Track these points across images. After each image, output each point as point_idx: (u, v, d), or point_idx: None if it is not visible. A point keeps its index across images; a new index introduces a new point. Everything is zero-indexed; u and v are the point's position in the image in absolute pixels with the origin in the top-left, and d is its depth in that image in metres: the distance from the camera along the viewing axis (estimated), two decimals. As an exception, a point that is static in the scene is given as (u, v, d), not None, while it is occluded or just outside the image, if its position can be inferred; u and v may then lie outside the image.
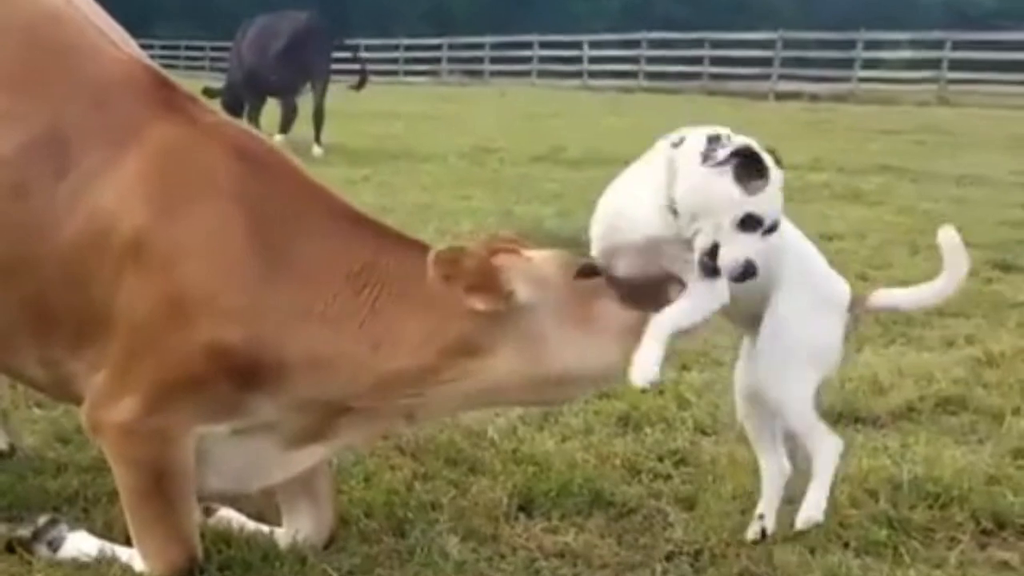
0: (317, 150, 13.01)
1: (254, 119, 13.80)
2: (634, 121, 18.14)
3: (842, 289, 2.73)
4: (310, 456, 2.52)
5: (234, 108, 12.99)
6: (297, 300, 2.39)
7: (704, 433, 3.70)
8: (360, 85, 14.37)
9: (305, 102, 13.74)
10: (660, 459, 3.42)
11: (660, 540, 2.85)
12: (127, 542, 2.56)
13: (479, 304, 2.27)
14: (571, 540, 2.83)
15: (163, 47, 41.09)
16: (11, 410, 3.58)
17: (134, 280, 2.38)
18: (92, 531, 2.68)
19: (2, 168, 2.46)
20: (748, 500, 3.01)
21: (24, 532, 2.61)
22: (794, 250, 2.65)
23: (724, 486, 3.12)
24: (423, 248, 2.37)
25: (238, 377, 2.37)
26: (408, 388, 2.40)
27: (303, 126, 13.55)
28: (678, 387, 4.09)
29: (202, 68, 34.38)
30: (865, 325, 5.02)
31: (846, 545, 2.80)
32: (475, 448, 3.41)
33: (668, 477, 3.27)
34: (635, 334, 2.33)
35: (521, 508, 2.98)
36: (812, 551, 2.73)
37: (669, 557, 2.77)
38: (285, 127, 13.45)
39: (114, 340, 2.41)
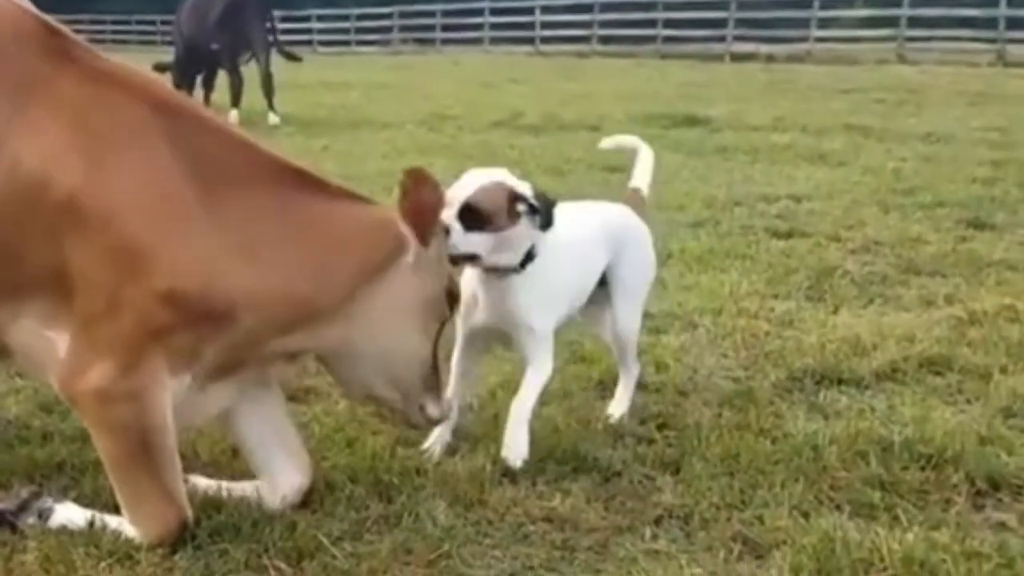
0: (273, 118, 12.88)
1: (206, 93, 13.65)
2: (590, 86, 18.13)
3: None
4: (226, 395, 2.61)
5: (182, 82, 12.82)
6: (237, 240, 2.43)
7: (684, 395, 3.66)
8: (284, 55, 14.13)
9: (252, 73, 13.54)
10: (642, 422, 3.37)
11: (648, 504, 2.80)
12: (116, 510, 2.50)
13: (403, 216, 2.55)
14: (557, 505, 2.77)
15: (114, 22, 40.38)
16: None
17: (78, 243, 2.33)
18: (81, 500, 2.63)
19: None
20: (735, 463, 2.97)
21: (8, 505, 2.53)
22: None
23: (710, 449, 3.07)
24: (352, 195, 2.63)
25: (196, 323, 2.38)
26: (317, 324, 2.55)
27: (253, 96, 13.33)
28: (654, 350, 4.04)
29: (154, 43, 33.76)
30: (840, 286, 5.03)
31: (839, 508, 2.75)
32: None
33: (652, 441, 3.21)
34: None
35: (504, 474, 2.92)
36: (806, 515, 2.69)
37: (658, 521, 2.72)
38: (235, 99, 13.31)
39: (67, 304, 2.36)
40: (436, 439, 3.08)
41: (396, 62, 28.01)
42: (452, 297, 2.78)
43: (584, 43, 31.50)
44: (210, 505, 2.63)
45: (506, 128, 12.15)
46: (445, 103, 14.94)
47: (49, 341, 2.43)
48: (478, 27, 34.87)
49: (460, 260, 2.82)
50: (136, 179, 2.39)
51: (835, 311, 4.66)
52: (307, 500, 2.72)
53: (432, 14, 36.45)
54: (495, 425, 3.27)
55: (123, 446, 2.40)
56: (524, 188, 2.85)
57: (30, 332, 2.45)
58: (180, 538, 2.45)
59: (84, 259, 2.33)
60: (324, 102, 15.13)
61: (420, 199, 2.57)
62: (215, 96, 13.78)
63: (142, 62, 14.51)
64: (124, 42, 36.15)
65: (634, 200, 3.52)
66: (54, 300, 2.38)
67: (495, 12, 34.52)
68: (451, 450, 3.10)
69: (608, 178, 8.41)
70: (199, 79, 13.76)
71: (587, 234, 3.21)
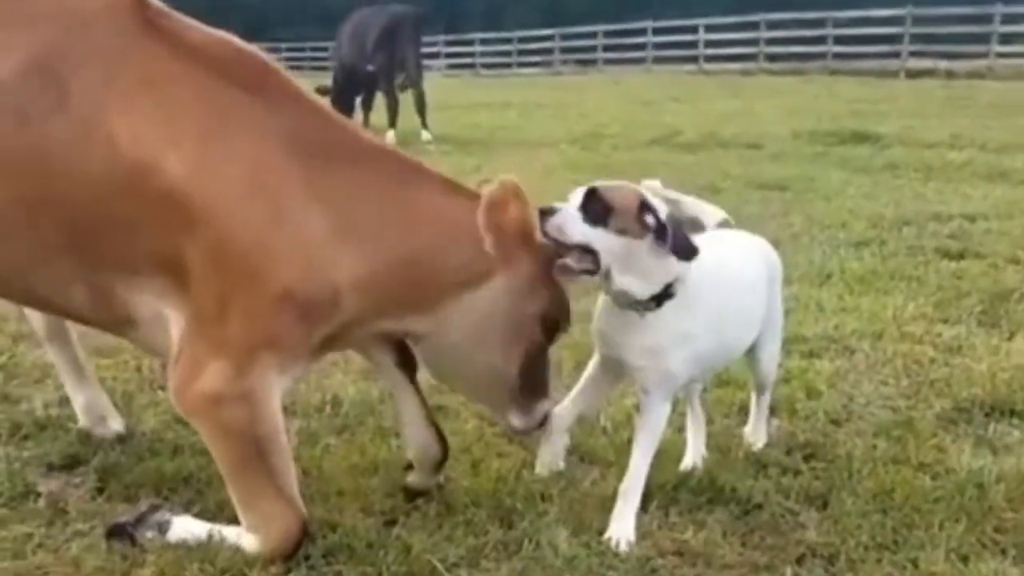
0: (426, 135, 13.21)
1: (365, 114, 14.13)
2: (753, 103, 17.69)
3: None
4: (315, 360, 2.60)
5: (343, 104, 13.28)
6: (341, 223, 2.38)
7: (836, 424, 3.41)
8: (405, 87, 14.22)
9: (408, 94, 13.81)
10: (788, 452, 3.15)
11: (790, 541, 2.59)
12: (238, 523, 2.47)
13: (486, 230, 2.41)
14: (690, 538, 2.60)
15: (288, 48, 42.24)
16: (135, 393, 3.61)
17: (186, 235, 2.30)
18: (204, 513, 2.63)
19: (3, 90, 2.32)
20: (889, 499, 2.73)
21: (128, 517, 2.53)
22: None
23: (862, 483, 2.84)
24: (445, 183, 2.55)
25: (305, 318, 2.35)
26: (409, 310, 2.49)
27: (408, 117, 13.57)
28: (806, 375, 3.80)
29: (326, 68, 34.94)
30: (1017, 311, 4.63)
31: (1003, 552, 2.49)
32: (587, 437, 3.21)
33: (797, 472, 2.99)
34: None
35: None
36: (965, 558, 2.43)
37: (800, 560, 2.51)
38: (392, 120, 13.65)
39: (182, 287, 2.34)
40: (546, 463, 2.90)
41: (556, 82, 28.10)
42: (548, 323, 2.58)
43: (750, 61, 30.83)
44: (325, 525, 2.58)
45: (662, 146, 11.94)
46: (602, 122, 14.84)
47: (166, 319, 2.41)
48: (640, 47, 34.62)
49: (575, 268, 2.48)
50: (239, 168, 2.34)
51: (1010, 337, 4.28)
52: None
53: (594, 35, 36.41)
54: (627, 451, 3.11)
55: (238, 450, 2.36)
56: (659, 205, 2.56)
57: (149, 308, 2.43)
58: (301, 542, 2.39)
59: (194, 253, 2.31)
60: (481, 122, 15.26)
61: (505, 216, 2.42)
62: (373, 117, 14.13)
63: (310, 87, 15.10)
64: (298, 68, 37.68)
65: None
66: (170, 281, 2.36)
67: (658, 32, 34.20)
68: (578, 475, 2.96)
69: (767, 195, 8.15)
70: (357, 101, 14.17)
71: (750, 276, 2.89)
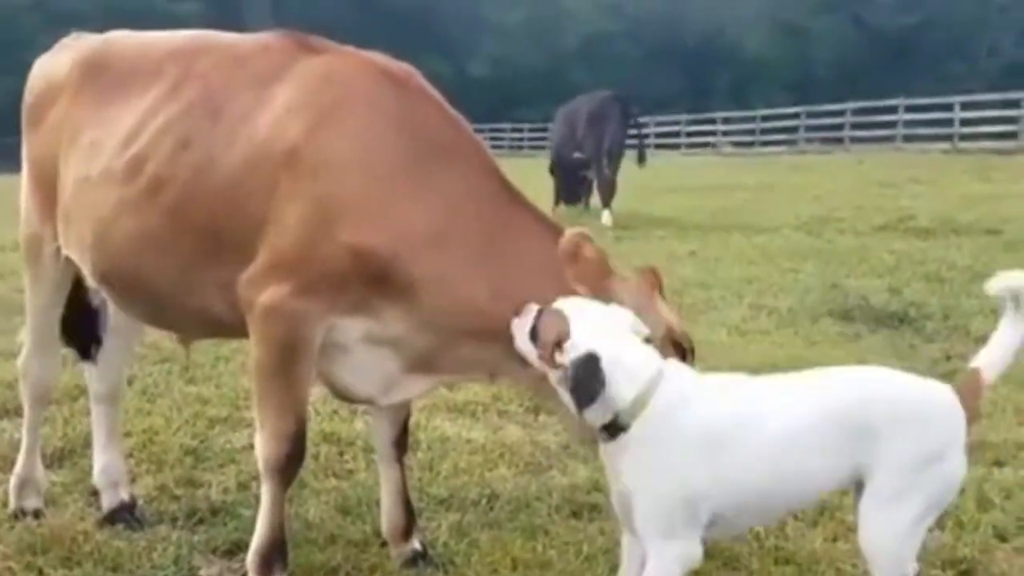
0: (606, 218, 13.51)
1: (584, 197, 14.74)
2: (1004, 187, 16.60)
3: None
4: (418, 385, 2.84)
5: (561, 186, 14.43)
6: (435, 224, 2.67)
7: (1002, 539, 3.25)
8: (640, 160, 14.64)
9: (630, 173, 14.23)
10: (942, 567, 3.05)
11: None
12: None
13: (579, 288, 2.53)
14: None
15: (531, 129, 43.80)
16: (308, 479, 3.87)
17: (286, 185, 2.69)
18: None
19: (171, 128, 2.89)
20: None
21: None
22: None
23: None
24: (551, 228, 2.72)
25: (370, 280, 2.65)
26: (503, 342, 2.56)
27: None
28: (982, 486, 3.63)
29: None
30: None
31: None
32: (733, 539, 3.20)
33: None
34: None
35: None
36: None
37: None
38: (605, 200, 14.09)
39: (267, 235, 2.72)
40: None
41: (797, 162, 27.55)
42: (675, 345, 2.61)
43: (1008, 139, 29.00)
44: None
45: (891, 231, 11.53)
46: (832, 205, 14.49)
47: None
48: (891, 124, 33.37)
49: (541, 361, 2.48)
50: (350, 140, 2.72)
51: None
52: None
53: (842, 112, 35.52)
54: (774, 557, 3.14)
55: (271, 357, 2.75)
56: (578, 347, 2.37)
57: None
58: (292, 454, 2.77)
59: (287, 200, 2.68)
60: (706, 205, 15.24)
61: (583, 262, 2.58)
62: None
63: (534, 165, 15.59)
64: (541, 147, 38.97)
65: (970, 384, 2.50)
66: (255, 244, 2.74)
67: (910, 109, 32.91)
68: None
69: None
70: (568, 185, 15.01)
71: (792, 422, 2.40)
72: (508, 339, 2.53)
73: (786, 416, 2.39)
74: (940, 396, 2.44)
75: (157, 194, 2.88)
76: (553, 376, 2.45)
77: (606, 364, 2.34)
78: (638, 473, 2.39)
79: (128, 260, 2.98)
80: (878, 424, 2.37)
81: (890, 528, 2.39)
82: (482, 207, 2.72)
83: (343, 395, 2.92)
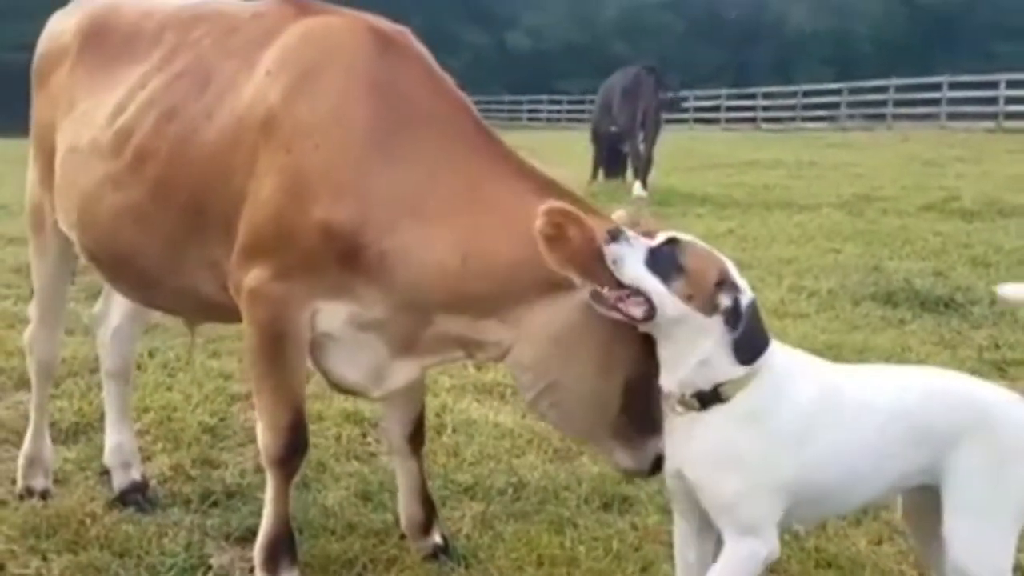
0: (638, 191, 13.34)
1: (621, 170, 14.76)
2: (1052, 167, 16.19)
3: None
4: (404, 371, 2.65)
5: (599, 160, 14.63)
6: (405, 197, 2.48)
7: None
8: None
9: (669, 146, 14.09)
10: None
11: None
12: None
13: (558, 267, 2.25)
14: None
15: (569, 101, 43.52)
16: (330, 462, 3.77)
17: (264, 156, 2.55)
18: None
19: (157, 99, 2.77)
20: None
21: None
22: None
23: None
24: (541, 186, 2.44)
25: (343, 257, 2.49)
26: (478, 312, 2.45)
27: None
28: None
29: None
30: None
31: None
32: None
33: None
34: None
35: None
36: None
37: None
38: (638, 172, 13.98)
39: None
40: None
41: (839, 139, 27.04)
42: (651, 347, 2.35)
43: (1057, 118, 28.35)
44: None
45: (935, 212, 11.18)
46: (876, 183, 14.15)
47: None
48: (935, 102, 32.72)
49: (612, 304, 2.18)
50: (322, 106, 2.54)
51: None
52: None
53: (885, 89, 34.86)
54: (815, 559, 2.99)
55: (260, 340, 2.63)
56: (746, 291, 2.15)
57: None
58: (291, 442, 2.65)
59: (262, 179, 2.54)
60: (746, 181, 14.92)
61: (569, 245, 2.23)
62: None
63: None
64: (579, 120, 38.67)
65: None
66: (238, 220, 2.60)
67: (954, 86, 32.24)
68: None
69: (1040, 275, 7.44)
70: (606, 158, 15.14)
71: (875, 414, 2.26)
72: (478, 308, 2.45)
73: (871, 410, 2.24)
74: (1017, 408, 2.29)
75: (141, 168, 2.75)
76: (695, 322, 2.12)
77: None
78: (727, 453, 2.15)
79: (114, 237, 2.86)
80: (955, 430, 2.25)
81: (983, 539, 2.23)
82: (456, 176, 2.50)
83: (338, 386, 2.77)
